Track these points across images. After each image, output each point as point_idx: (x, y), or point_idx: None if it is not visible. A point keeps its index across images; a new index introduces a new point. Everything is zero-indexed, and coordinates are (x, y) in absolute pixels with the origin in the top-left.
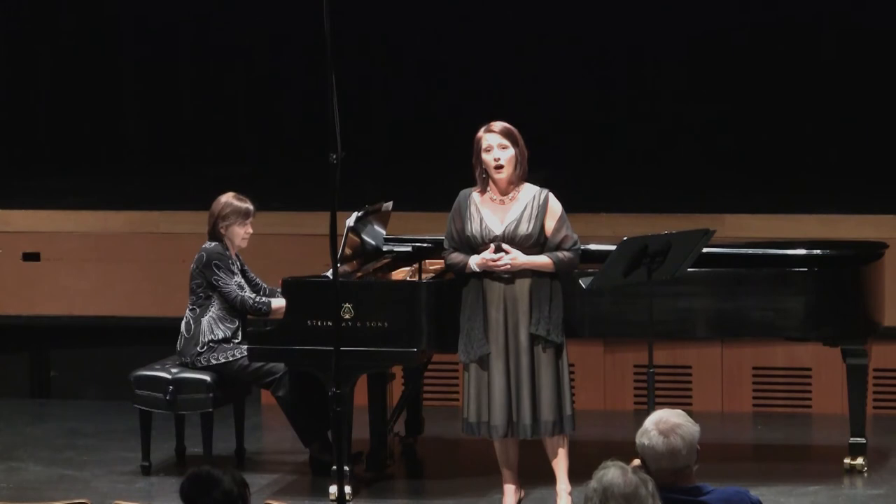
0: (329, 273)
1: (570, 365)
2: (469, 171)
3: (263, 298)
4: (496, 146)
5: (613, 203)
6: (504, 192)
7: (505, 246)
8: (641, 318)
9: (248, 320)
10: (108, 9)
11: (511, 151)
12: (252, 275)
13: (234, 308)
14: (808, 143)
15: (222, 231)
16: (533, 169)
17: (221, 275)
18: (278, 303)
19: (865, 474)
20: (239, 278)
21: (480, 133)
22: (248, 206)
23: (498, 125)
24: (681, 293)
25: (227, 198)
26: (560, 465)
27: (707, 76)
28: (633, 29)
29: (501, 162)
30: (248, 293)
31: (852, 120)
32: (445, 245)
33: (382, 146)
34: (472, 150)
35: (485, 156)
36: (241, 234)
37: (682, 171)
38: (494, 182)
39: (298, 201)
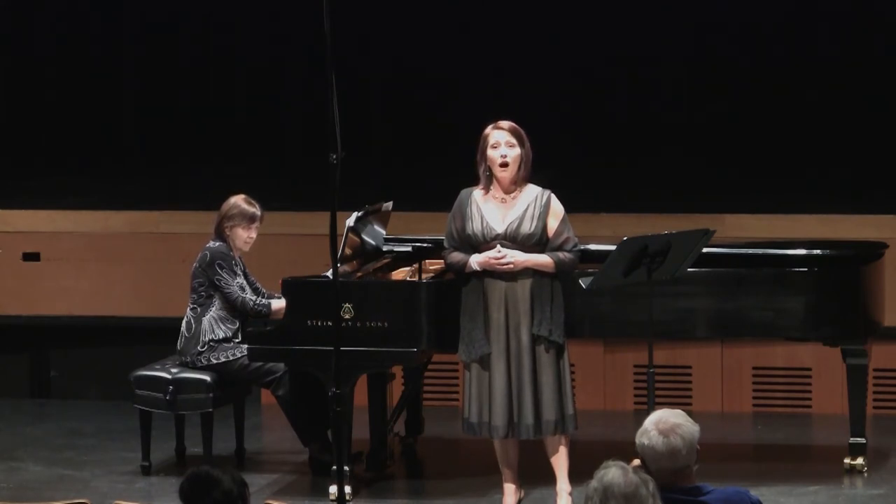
0: (329, 273)
1: (571, 365)
2: (469, 171)
3: (264, 300)
4: (503, 143)
5: (613, 203)
6: (507, 192)
7: (503, 250)
8: (641, 318)
9: (249, 320)
10: (109, 8)
11: (517, 151)
12: (252, 278)
13: (234, 308)
14: (809, 143)
15: (226, 231)
16: (537, 168)
17: (224, 275)
18: (278, 304)
19: (865, 474)
20: (241, 279)
21: (488, 130)
22: (256, 210)
23: (506, 123)
24: (681, 293)
25: (237, 199)
26: (560, 464)
27: (707, 76)
28: (634, 28)
29: (507, 160)
30: (248, 294)
31: (853, 120)
32: (445, 244)
33: (382, 146)
34: (473, 149)
35: (490, 152)
36: (243, 237)
37: (682, 171)
38: (498, 180)
39: (298, 201)
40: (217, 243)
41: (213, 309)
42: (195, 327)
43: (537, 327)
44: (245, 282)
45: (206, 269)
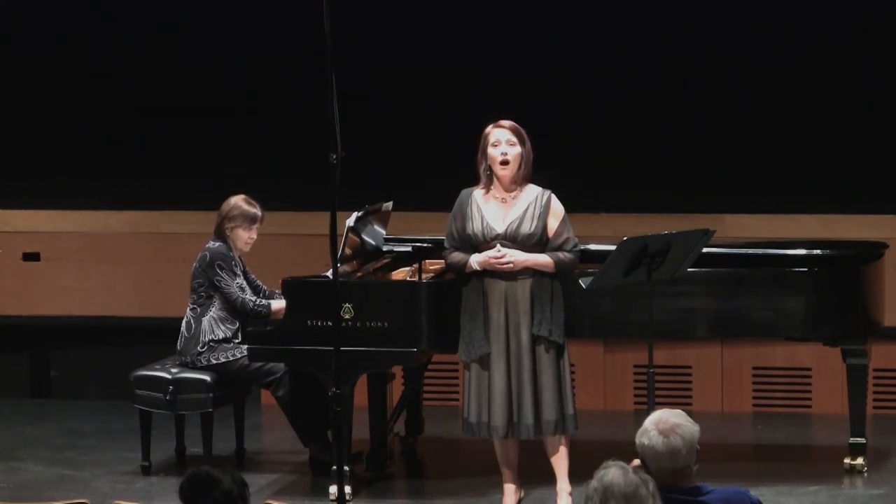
0: (329, 273)
1: (571, 365)
2: (469, 171)
3: (263, 301)
4: (504, 142)
5: (613, 203)
6: (507, 190)
7: (503, 249)
8: (641, 318)
9: (248, 320)
10: (109, 8)
11: (518, 149)
12: (252, 276)
13: (234, 309)
14: (809, 143)
15: (227, 232)
16: (537, 168)
17: (223, 275)
18: (278, 304)
19: (865, 474)
20: (241, 280)
21: (489, 128)
22: (257, 211)
23: (507, 122)
24: (681, 293)
25: (237, 200)
26: (560, 465)
27: (707, 76)
28: (633, 29)
29: (508, 158)
30: (248, 295)
31: (852, 120)
32: (446, 244)
33: (382, 146)
34: (473, 149)
35: (491, 150)
36: (244, 238)
37: (682, 171)
38: (498, 179)
39: (298, 201)
40: (217, 244)
41: (213, 309)
42: (195, 327)
43: (537, 327)
44: (245, 281)
45: (205, 269)
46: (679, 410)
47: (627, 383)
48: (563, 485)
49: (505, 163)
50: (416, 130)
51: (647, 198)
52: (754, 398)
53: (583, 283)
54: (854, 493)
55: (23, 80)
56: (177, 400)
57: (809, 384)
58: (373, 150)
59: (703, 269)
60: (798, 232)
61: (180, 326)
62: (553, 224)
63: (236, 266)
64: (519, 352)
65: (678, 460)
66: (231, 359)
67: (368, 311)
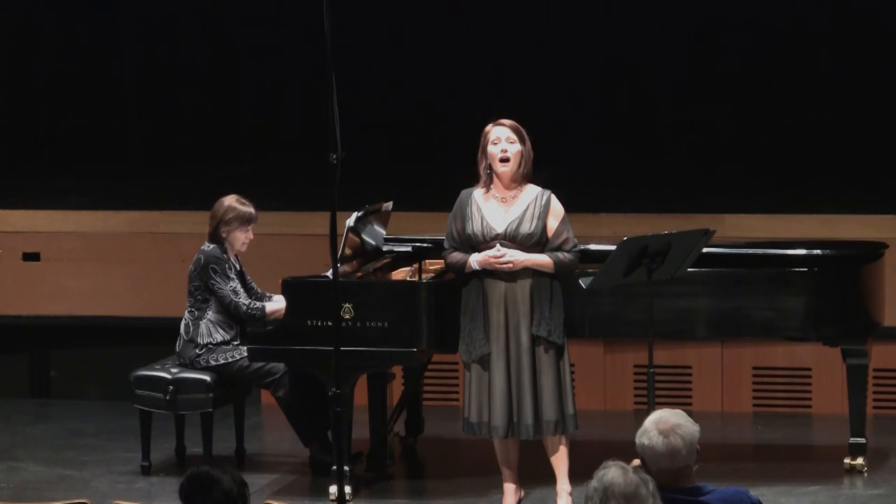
0: (329, 273)
1: (571, 365)
2: (469, 172)
3: (257, 304)
4: (504, 139)
5: (613, 203)
6: (507, 189)
7: (503, 249)
8: (641, 318)
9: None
10: (109, 7)
11: (518, 147)
12: (248, 278)
13: (229, 312)
14: (809, 143)
15: (223, 235)
16: (538, 168)
17: (217, 279)
18: (272, 307)
19: (865, 474)
20: (235, 283)
21: (489, 127)
22: (251, 210)
23: (507, 121)
24: (681, 293)
25: (231, 202)
26: (560, 464)
27: (707, 76)
28: (633, 28)
29: (508, 155)
30: (242, 298)
31: (852, 119)
32: (446, 245)
33: (382, 146)
34: (473, 149)
35: (491, 148)
36: (241, 238)
37: (682, 171)
38: (498, 176)
39: (298, 201)
40: (211, 246)
41: (211, 312)
42: (193, 330)
43: (536, 328)
44: (239, 283)
45: (200, 272)
46: (679, 410)
47: (627, 383)
48: (563, 485)
49: (505, 160)
50: (416, 130)
51: (647, 198)
52: (754, 398)
53: (583, 283)
54: (854, 493)
55: (23, 80)
56: (177, 400)
57: (809, 384)
58: (373, 150)
59: (703, 269)
60: (798, 232)
61: (179, 328)
62: (553, 224)
63: (230, 269)
64: (519, 352)
65: (678, 460)
66: (230, 360)
67: (368, 311)
